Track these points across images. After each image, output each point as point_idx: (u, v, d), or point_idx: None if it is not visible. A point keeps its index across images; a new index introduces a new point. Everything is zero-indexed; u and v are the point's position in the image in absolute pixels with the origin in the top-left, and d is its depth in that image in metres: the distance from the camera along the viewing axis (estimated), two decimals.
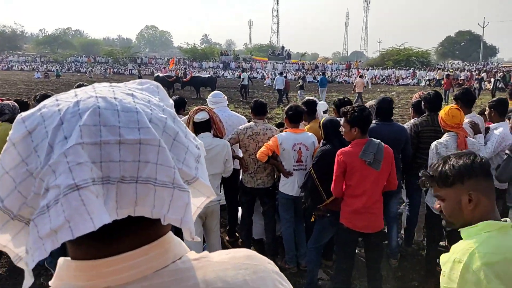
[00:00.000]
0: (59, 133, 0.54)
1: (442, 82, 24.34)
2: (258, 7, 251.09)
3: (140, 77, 24.18)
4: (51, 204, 0.51)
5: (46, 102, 0.59)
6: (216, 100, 4.81)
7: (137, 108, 0.58)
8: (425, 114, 4.39)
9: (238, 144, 4.31)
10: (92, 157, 0.54)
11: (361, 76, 25.41)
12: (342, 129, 3.38)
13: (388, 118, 4.14)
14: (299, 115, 4.06)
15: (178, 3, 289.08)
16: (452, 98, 4.47)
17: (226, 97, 4.93)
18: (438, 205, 1.59)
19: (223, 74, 48.62)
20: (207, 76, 24.77)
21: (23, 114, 0.58)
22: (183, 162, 0.62)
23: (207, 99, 4.87)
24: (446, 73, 29.86)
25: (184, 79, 23.48)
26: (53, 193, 0.52)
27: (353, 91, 21.86)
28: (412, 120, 4.69)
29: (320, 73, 37.17)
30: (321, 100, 21.20)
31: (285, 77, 23.00)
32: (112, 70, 53.90)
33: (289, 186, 4.05)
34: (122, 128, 0.55)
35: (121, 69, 55.86)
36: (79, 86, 4.62)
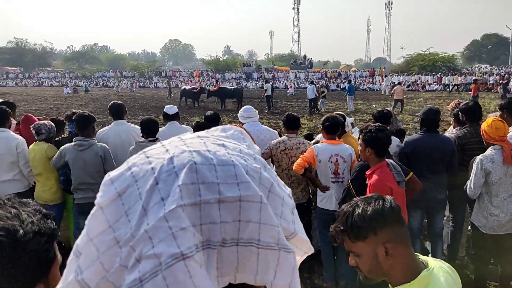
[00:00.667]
0: (155, 195, 0.49)
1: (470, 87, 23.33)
2: (278, 17, 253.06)
3: (170, 91, 24.23)
4: (147, 277, 0.45)
5: (135, 159, 0.55)
6: (247, 115, 4.77)
7: (233, 160, 0.53)
8: (467, 125, 4.21)
9: (270, 159, 4.25)
10: (192, 220, 0.49)
11: (399, 83, 25.11)
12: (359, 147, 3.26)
13: (434, 129, 3.98)
14: (336, 126, 3.98)
15: (200, 17, 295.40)
16: (497, 108, 4.29)
17: (257, 111, 4.89)
18: (354, 261, 1.41)
19: (246, 84, 48.83)
20: (233, 87, 24.85)
21: (111, 174, 0.54)
22: (281, 216, 0.56)
23: (239, 114, 4.83)
24: (473, 77, 29.10)
25: (211, 89, 23.57)
26: (149, 264, 0.46)
27: (391, 97, 21.83)
28: (453, 131, 4.50)
29: (346, 80, 36.83)
30: (349, 109, 21.67)
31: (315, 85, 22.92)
32: (138, 84, 55.12)
33: (327, 201, 3.94)
34: (221, 185, 0.51)
35: (147, 83, 57.06)
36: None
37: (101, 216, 0.51)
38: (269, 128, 4.94)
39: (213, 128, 0.65)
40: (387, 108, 4.48)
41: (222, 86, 26.12)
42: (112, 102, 4.79)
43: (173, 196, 0.48)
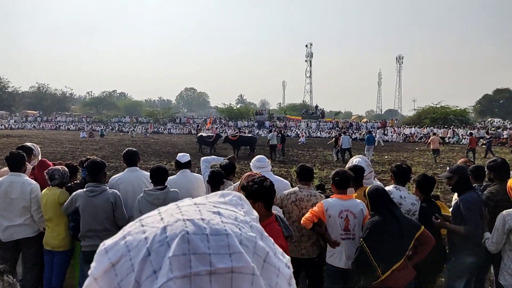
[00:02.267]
0: (147, 267, 0.49)
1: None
2: (291, 68, 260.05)
3: (200, 139, 24.05)
4: None
5: (131, 227, 0.55)
6: (260, 165, 4.77)
7: (226, 229, 0.54)
8: (495, 183, 4.20)
9: (281, 210, 4.20)
10: None
11: (434, 134, 25.62)
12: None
13: (470, 186, 4.01)
14: (346, 181, 3.94)
15: (215, 66, 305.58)
16: None
17: (270, 161, 4.91)
18: None
19: (258, 132, 49.42)
20: (249, 135, 25.21)
21: (106, 243, 0.54)
22: (276, 287, 0.55)
23: (251, 164, 4.84)
24: (470, 131, 29.51)
25: (230, 137, 23.99)
26: None
27: (427, 148, 22.48)
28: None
29: (357, 131, 36.97)
30: (369, 159, 21.23)
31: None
32: (152, 129, 56.16)
33: (337, 257, 3.82)
34: (213, 256, 0.51)
35: (161, 128, 58.08)
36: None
37: (95, 287, 0.51)
38: (281, 178, 4.91)
39: (212, 193, 0.65)
40: (405, 164, 4.43)
41: (241, 134, 26.39)
42: (126, 149, 4.86)
43: (164, 269, 0.48)
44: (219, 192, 0.66)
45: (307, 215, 3.84)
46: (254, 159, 4.87)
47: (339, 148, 21.60)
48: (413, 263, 3.46)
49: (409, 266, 3.38)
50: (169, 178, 4.36)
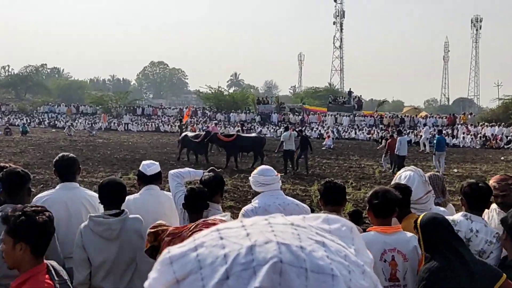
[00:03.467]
0: None
1: None
2: (311, 34, 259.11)
3: (187, 142, 23.87)
4: None
5: (205, 237, 0.60)
6: (264, 180, 4.73)
7: (332, 269, 0.57)
8: None
9: None
10: None
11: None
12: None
13: None
14: (390, 205, 3.93)
15: (196, 31, 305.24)
16: None
17: (278, 175, 4.92)
18: None
19: (261, 130, 49.59)
20: (252, 136, 24.89)
21: (172, 251, 0.60)
22: None
23: (251, 179, 4.85)
24: None
25: (224, 138, 23.47)
26: None
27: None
28: None
29: (434, 130, 37.06)
30: (441, 171, 21.49)
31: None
32: (103, 123, 56.31)
33: None
34: None
35: (114, 123, 58.27)
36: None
37: None
38: (297, 201, 4.93)
39: (312, 215, 0.70)
40: (483, 181, 4.42)
41: (240, 134, 26.04)
42: (60, 155, 4.88)
43: None
44: (322, 215, 0.69)
45: None
46: (255, 171, 4.88)
47: (389, 155, 21.71)
48: None
49: None
50: (127, 198, 4.37)
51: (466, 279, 3.29)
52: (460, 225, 4.03)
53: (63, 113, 66.55)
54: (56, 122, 59.72)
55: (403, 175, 4.85)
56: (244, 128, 37.10)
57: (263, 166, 5.00)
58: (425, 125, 47.42)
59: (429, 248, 3.52)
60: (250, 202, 4.86)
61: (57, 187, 4.77)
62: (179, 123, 37.01)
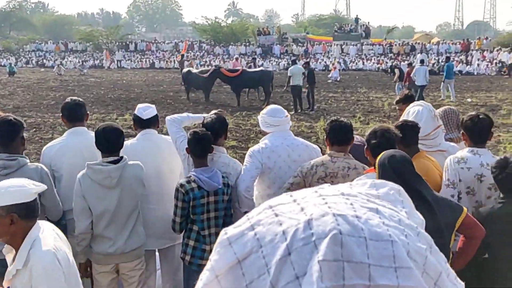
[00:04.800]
0: (287, 269, 0.57)
1: None
2: None
3: (189, 78, 23.38)
4: None
5: (260, 215, 0.63)
6: (273, 121, 4.74)
7: (390, 235, 0.60)
8: None
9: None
10: None
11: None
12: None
13: None
14: (389, 146, 3.88)
15: None
16: None
17: (289, 115, 4.93)
18: None
19: (262, 64, 49.16)
20: (260, 70, 24.63)
21: (229, 232, 0.64)
22: None
23: (259, 118, 4.88)
24: None
25: (228, 73, 23.22)
26: None
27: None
28: None
29: (441, 57, 36.72)
30: (452, 99, 21.91)
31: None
32: (93, 61, 55.75)
33: None
34: (373, 267, 0.57)
35: (106, 60, 57.62)
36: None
37: (216, 287, 0.60)
38: (308, 142, 4.94)
39: (359, 180, 0.71)
40: (484, 113, 4.42)
41: (245, 69, 25.70)
42: (67, 99, 4.90)
43: (311, 276, 0.55)
44: (368, 181, 0.73)
45: None
46: (264, 111, 4.90)
47: (407, 84, 21.97)
48: (457, 268, 3.57)
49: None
50: (125, 143, 4.42)
51: (426, 217, 3.33)
52: (470, 162, 4.08)
53: (51, 51, 65.82)
54: (44, 61, 59.44)
55: (411, 110, 4.85)
56: (250, 62, 36.27)
57: (272, 106, 4.99)
58: (421, 53, 46.79)
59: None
60: (252, 141, 4.90)
61: (66, 133, 4.79)
62: (180, 59, 36.30)
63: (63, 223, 4.39)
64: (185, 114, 5.16)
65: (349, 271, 0.54)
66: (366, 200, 0.64)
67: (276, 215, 0.60)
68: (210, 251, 3.44)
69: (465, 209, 3.48)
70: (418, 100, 17.35)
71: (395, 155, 3.52)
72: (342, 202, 0.62)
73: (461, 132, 4.46)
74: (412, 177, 3.46)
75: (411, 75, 22.11)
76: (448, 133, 4.96)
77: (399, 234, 0.59)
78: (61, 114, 4.94)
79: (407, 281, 0.55)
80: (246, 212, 3.86)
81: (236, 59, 41.06)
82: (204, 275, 0.62)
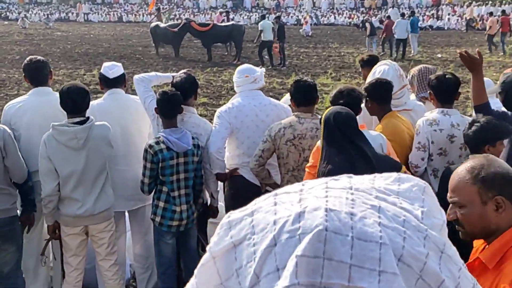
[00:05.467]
0: (270, 260, 0.58)
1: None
2: None
3: (158, 33, 23.01)
4: None
5: (264, 201, 0.64)
6: (241, 81, 4.74)
7: (382, 237, 0.58)
8: None
9: (275, 155, 4.29)
10: None
11: (491, 14, 29.44)
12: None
13: None
14: (352, 105, 3.87)
15: None
16: None
17: (262, 70, 4.89)
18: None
19: (233, 18, 48.53)
20: (231, 24, 24.04)
21: (232, 215, 0.65)
22: None
23: (234, 79, 4.86)
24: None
25: (199, 27, 22.60)
26: None
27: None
28: None
29: (406, 11, 36.81)
30: (413, 52, 22.84)
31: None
32: (59, 14, 54.52)
33: None
34: (354, 268, 0.56)
35: (72, 13, 56.50)
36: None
37: (212, 268, 0.62)
38: (277, 102, 4.94)
39: (385, 174, 0.71)
40: (450, 73, 4.45)
41: (215, 23, 25.34)
42: (28, 59, 4.74)
43: (288, 269, 0.55)
44: (394, 175, 0.71)
45: (306, 173, 3.86)
46: (237, 69, 4.89)
47: (383, 38, 23.25)
48: None
49: None
50: (91, 103, 4.34)
51: (366, 172, 3.36)
52: (442, 124, 4.10)
53: (15, 3, 64.10)
54: (7, 13, 57.79)
55: (378, 69, 4.85)
56: (223, 15, 35.65)
57: (244, 66, 5.02)
58: (392, 7, 46.83)
59: (330, 144, 3.53)
60: (224, 98, 4.92)
61: (29, 93, 4.69)
62: (156, 12, 35.09)
63: (29, 185, 4.33)
64: (153, 73, 5.09)
65: (328, 269, 0.54)
66: (373, 197, 0.63)
67: (275, 204, 0.61)
68: (180, 212, 3.36)
69: (403, 166, 3.58)
70: (397, 52, 18.18)
71: (341, 112, 3.54)
72: (344, 197, 0.61)
73: (428, 92, 4.48)
74: (355, 134, 3.51)
75: (393, 28, 22.80)
76: (422, 91, 4.97)
77: (395, 236, 0.58)
78: (23, 74, 4.82)
79: (389, 287, 0.54)
80: (217, 174, 3.74)
81: (221, 13, 39.58)
82: (204, 256, 0.66)
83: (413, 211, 0.63)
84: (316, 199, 0.61)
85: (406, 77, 5.02)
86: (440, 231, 0.65)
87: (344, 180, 0.68)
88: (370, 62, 5.43)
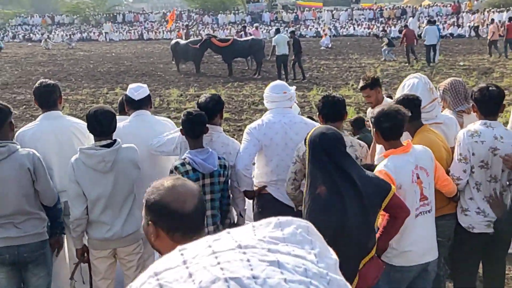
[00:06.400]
0: None
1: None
2: None
3: (179, 50, 23.16)
4: None
5: (143, 286, 0.62)
6: (273, 98, 4.68)
7: None
8: None
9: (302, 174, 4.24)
10: None
11: (492, 21, 30.52)
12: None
13: None
14: (399, 126, 3.87)
15: None
16: None
17: (289, 92, 4.83)
18: None
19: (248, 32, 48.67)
20: (250, 38, 23.84)
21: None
22: None
23: (265, 95, 4.81)
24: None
25: (219, 43, 22.62)
26: None
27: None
28: None
29: (423, 20, 36.77)
30: (434, 62, 23.17)
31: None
32: (81, 34, 55.19)
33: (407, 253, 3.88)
34: None
35: (94, 33, 57.22)
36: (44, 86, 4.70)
37: None
38: (306, 120, 4.90)
39: (263, 222, 0.66)
40: (493, 84, 4.37)
41: (236, 38, 25.49)
42: (38, 82, 4.77)
43: None
44: (273, 220, 0.66)
45: None
46: (268, 86, 4.84)
47: (404, 45, 23.43)
48: (382, 247, 3.62)
49: (375, 257, 3.51)
50: (118, 125, 4.33)
51: (352, 198, 3.31)
52: (483, 135, 4.05)
53: (38, 25, 65.17)
54: (31, 35, 58.72)
55: (407, 83, 4.81)
56: (240, 31, 35.52)
57: (275, 82, 4.97)
58: (413, 16, 46.64)
59: (316, 167, 3.47)
60: (246, 112, 4.89)
61: (39, 118, 4.71)
62: (186, 30, 35.10)
63: (59, 207, 4.35)
64: (161, 137, 4.76)
65: None
66: (266, 251, 0.58)
67: (161, 286, 0.55)
68: (207, 233, 3.20)
69: (393, 188, 3.44)
70: (426, 59, 18.52)
71: (327, 133, 3.47)
72: (238, 259, 0.56)
73: (471, 104, 4.42)
74: (342, 157, 3.44)
75: (422, 35, 23.81)
76: (457, 105, 4.90)
77: None
78: (34, 98, 4.86)
79: None
80: (245, 192, 3.70)
81: (256, 28, 38.80)
82: None
83: (307, 256, 0.59)
84: (208, 269, 0.55)
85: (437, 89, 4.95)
86: (335, 270, 0.62)
87: (226, 238, 0.62)
88: (373, 84, 5.28)
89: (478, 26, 40.39)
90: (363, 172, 3.48)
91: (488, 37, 25.82)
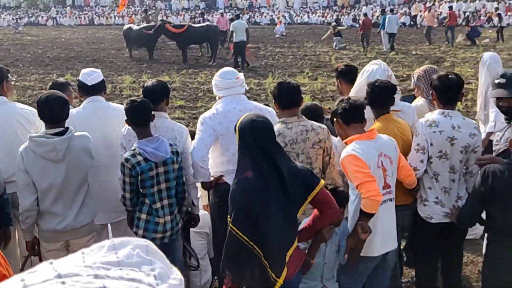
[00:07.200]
0: None
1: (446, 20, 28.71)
2: None
3: (131, 36, 22.62)
4: None
5: None
6: (225, 84, 4.61)
7: None
8: None
9: None
10: None
11: (429, 9, 31.61)
12: None
13: None
14: (360, 112, 3.91)
15: None
16: None
17: (240, 77, 4.76)
18: None
19: (206, 18, 48.31)
20: (205, 25, 23.55)
21: None
22: None
23: (213, 82, 4.72)
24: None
25: (174, 29, 22.06)
26: None
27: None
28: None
29: (377, 10, 37.37)
30: (384, 48, 24.18)
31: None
32: (28, 18, 53.81)
33: (371, 244, 3.86)
34: None
35: (42, 17, 55.77)
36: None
37: None
38: (261, 106, 4.83)
39: (95, 247, 0.61)
40: (453, 73, 4.38)
41: (190, 24, 25.11)
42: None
43: None
44: (107, 243, 0.60)
45: (362, 179, 3.64)
46: (218, 73, 4.77)
47: (361, 34, 24.10)
48: (302, 241, 3.57)
49: (297, 247, 3.47)
50: (70, 112, 4.18)
51: (277, 189, 3.30)
52: (441, 125, 4.05)
53: None
54: None
55: (367, 69, 4.82)
56: (197, 17, 34.99)
57: (224, 68, 4.88)
58: (366, 5, 47.50)
59: (244, 154, 3.43)
60: (201, 100, 4.77)
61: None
62: (144, 15, 34.18)
63: (5, 197, 4.13)
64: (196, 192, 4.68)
65: None
66: (92, 277, 0.52)
67: None
68: (164, 224, 3.27)
69: (321, 182, 3.40)
70: (391, 46, 19.00)
71: (256, 121, 3.41)
72: None
73: (430, 92, 4.41)
74: (271, 145, 3.40)
75: (385, 24, 24.22)
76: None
77: None
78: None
79: None
80: (202, 183, 3.60)
81: (222, 14, 37.64)
82: None
83: (144, 279, 0.54)
84: None
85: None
86: (182, 286, 0.58)
87: (46, 269, 0.55)
88: (347, 74, 5.21)
89: (416, 15, 42.31)
90: (292, 163, 3.46)
91: (427, 24, 27.95)
